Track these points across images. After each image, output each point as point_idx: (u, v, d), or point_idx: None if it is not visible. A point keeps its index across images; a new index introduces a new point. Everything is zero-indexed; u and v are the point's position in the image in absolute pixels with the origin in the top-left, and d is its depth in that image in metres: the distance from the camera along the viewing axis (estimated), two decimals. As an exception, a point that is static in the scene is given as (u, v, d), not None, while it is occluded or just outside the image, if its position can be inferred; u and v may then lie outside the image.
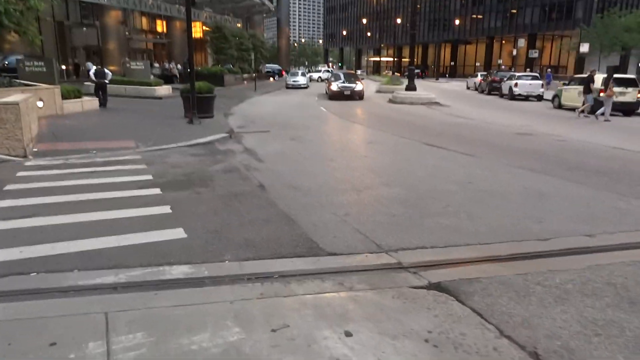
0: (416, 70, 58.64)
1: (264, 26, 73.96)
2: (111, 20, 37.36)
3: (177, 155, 9.14)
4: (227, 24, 42.51)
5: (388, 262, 4.08)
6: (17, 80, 14.79)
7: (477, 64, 76.79)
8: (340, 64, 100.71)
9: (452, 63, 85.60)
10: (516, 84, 26.73)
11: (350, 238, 4.60)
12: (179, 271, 3.80)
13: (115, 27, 37.77)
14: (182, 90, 14.77)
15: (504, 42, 76.44)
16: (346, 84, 24.76)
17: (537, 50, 58.07)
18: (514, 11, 71.27)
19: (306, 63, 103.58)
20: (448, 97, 27.57)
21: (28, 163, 8.15)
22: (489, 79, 33.29)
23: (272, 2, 64.75)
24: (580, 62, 60.44)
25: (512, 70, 48.41)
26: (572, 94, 20.32)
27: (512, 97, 26.83)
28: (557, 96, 21.92)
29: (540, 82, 26.93)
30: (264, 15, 66.16)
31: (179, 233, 4.68)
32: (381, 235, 4.70)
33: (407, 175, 7.42)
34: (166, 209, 5.52)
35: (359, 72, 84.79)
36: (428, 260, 4.12)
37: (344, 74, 27.73)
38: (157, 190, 6.40)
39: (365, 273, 3.86)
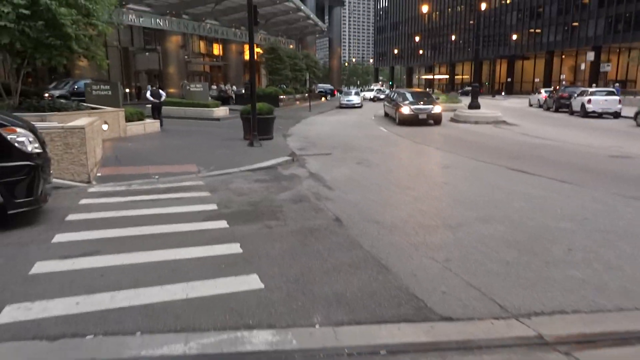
0: (468, 88, 56.57)
1: (316, 46, 74.84)
2: (171, 45, 38.82)
3: (241, 180, 8.61)
4: (281, 45, 43.02)
5: (524, 334, 3.15)
6: (85, 104, 15.10)
7: (535, 80, 73.40)
8: (390, 83, 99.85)
9: (509, 79, 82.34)
10: (589, 100, 24.68)
11: (463, 294, 3.71)
12: (261, 339, 3.05)
13: (175, 51, 39.16)
14: (242, 111, 14.48)
15: (564, 56, 72.74)
16: (421, 106, 20.10)
17: (610, 64, 54.45)
18: (576, 24, 67.72)
19: (358, 82, 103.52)
20: (512, 115, 25.93)
21: (91, 189, 7.87)
22: (556, 95, 31.17)
23: (324, 23, 65.40)
24: (653, 75, 56.14)
25: (579, 85, 45.52)
26: (662, 111, 18.32)
27: (585, 114, 24.77)
28: (640, 113, 19.88)
29: (617, 97, 24.69)
30: (317, 35, 66.86)
31: (254, 282, 3.98)
32: (500, 290, 3.76)
33: (504, 207, 6.40)
34: (236, 248, 4.86)
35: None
36: (577, 334, 3.15)
37: (412, 94, 22.91)
38: (223, 223, 5.79)
39: (499, 350, 2.95)
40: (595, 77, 60.86)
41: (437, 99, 27.26)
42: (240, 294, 3.75)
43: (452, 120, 22.32)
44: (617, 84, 50.00)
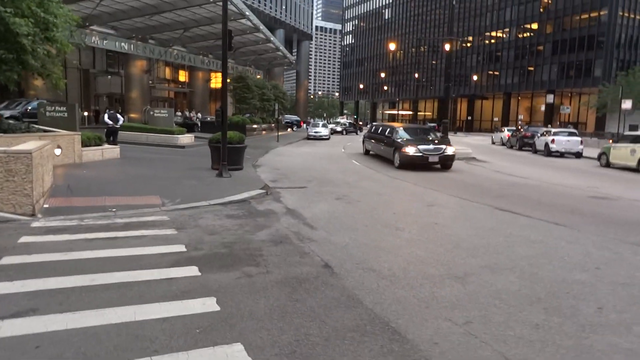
0: (433, 124, 58.00)
1: (283, 78, 75.26)
2: (136, 69, 37.64)
3: (211, 216, 7.72)
4: (249, 74, 42.64)
5: None
6: (36, 126, 13.82)
7: (494, 119, 76.46)
8: (355, 116, 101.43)
9: (469, 117, 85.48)
10: (553, 140, 25.38)
11: (501, 373, 3.01)
12: None
13: (139, 76, 37.97)
14: (210, 139, 13.62)
15: (520, 98, 76.40)
16: (429, 147, 15.94)
17: (569, 107, 57.78)
18: (531, 68, 71.62)
19: (325, 115, 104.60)
20: (479, 152, 26.32)
21: (35, 224, 6.77)
22: (520, 134, 32.10)
23: (292, 55, 65.97)
24: (602, 119, 59.65)
25: (539, 125, 47.39)
26: (624, 152, 18.86)
27: (549, 153, 25.40)
28: (604, 154, 20.44)
29: (578, 138, 25.51)
30: (285, 67, 67.22)
31: (239, 356, 3.13)
32: (543, 366, 3.10)
33: (507, 253, 5.84)
34: (212, 304, 4.00)
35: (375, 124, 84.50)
36: None
37: (407, 129, 18.16)
38: (194, 270, 4.92)
39: None
40: (550, 118, 64.04)
41: (443, 137, 20.46)
42: (223, 374, 2.91)
43: (423, 155, 22.13)
44: (569, 126, 52.60)
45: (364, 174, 14.78)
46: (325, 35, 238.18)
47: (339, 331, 3.54)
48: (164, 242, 6.02)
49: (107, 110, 19.32)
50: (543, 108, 59.09)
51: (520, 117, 65.30)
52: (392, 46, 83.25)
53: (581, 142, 25.29)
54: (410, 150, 15.83)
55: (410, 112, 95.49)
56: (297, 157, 20.61)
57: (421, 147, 15.90)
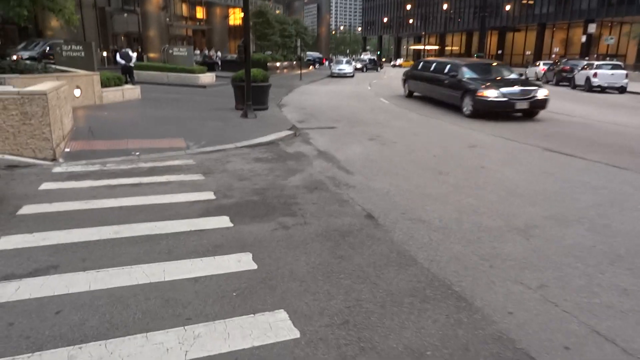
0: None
1: (304, 13, 71.73)
2: (152, 7, 36.18)
3: (239, 160, 7.26)
4: (269, 9, 40.62)
5: None
6: (53, 66, 13.31)
7: (527, 53, 72.17)
8: (379, 52, 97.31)
9: (499, 52, 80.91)
10: (595, 74, 23.58)
11: (598, 352, 2.53)
12: None
13: (156, 14, 36.54)
14: (233, 77, 12.91)
15: (555, 29, 71.34)
16: (515, 89, 12.07)
17: (613, 37, 53.61)
18: (569, -5, 66.14)
19: (347, 51, 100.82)
20: (514, 88, 24.70)
21: (56, 169, 6.44)
22: (557, 68, 30.05)
23: (312, -12, 62.48)
24: (643, 50, 55.37)
25: (576, 59, 44.45)
26: (677, 87, 17.34)
27: (590, 88, 23.71)
28: (654, 89, 18.89)
29: (624, 72, 23.62)
30: (305, 1, 63.99)
31: (283, 325, 2.72)
32: (644, 343, 2.60)
33: (570, 202, 5.23)
34: (247, 261, 3.60)
35: (399, 60, 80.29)
36: None
37: (477, 67, 14.29)
38: (225, 220, 4.50)
39: None
40: (587, 50, 59.89)
41: (522, 75, 16.52)
42: (266, 349, 2.51)
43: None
44: (607, 59, 49.24)
45: (394, 113, 13.96)
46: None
47: (395, 296, 3.09)
48: (191, 188, 5.62)
49: (120, 49, 18.68)
50: (584, 39, 54.96)
51: (556, 49, 61.35)
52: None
53: (626, 75, 23.46)
54: (491, 93, 11.89)
55: (437, 47, 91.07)
56: (323, 95, 19.74)
57: (504, 89, 11.96)
